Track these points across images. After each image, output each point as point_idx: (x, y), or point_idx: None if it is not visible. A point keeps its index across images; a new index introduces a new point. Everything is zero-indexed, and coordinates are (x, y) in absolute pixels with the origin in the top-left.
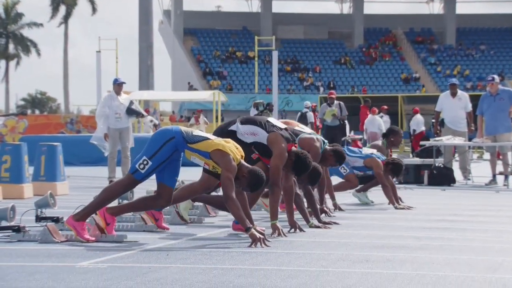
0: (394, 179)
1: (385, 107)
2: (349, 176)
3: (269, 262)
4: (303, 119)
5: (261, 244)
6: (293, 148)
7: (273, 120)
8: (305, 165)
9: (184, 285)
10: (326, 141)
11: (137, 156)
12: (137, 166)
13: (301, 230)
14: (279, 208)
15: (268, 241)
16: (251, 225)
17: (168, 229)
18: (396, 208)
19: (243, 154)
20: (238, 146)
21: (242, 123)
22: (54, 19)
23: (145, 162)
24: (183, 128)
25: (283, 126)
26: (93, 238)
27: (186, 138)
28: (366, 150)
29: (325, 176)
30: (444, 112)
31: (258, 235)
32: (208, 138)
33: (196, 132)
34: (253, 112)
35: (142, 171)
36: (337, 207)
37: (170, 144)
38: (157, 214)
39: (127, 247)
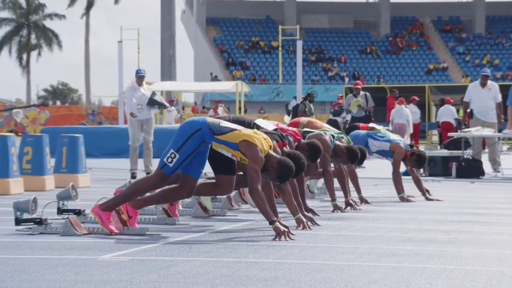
0: (422, 172)
1: (416, 98)
2: None
3: (293, 255)
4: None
5: (285, 238)
6: (284, 149)
7: (261, 122)
8: (288, 170)
9: (207, 279)
10: (335, 135)
11: (165, 150)
12: (165, 160)
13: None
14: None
15: (293, 234)
16: (275, 218)
17: (177, 217)
18: (401, 198)
19: (272, 145)
20: (266, 137)
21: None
22: (75, 7)
23: (172, 156)
24: (209, 119)
25: (271, 127)
26: (117, 231)
27: (213, 130)
28: (395, 136)
29: (345, 168)
30: (473, 102)
31: (282, 228)
32: (235, 129)
33: (224, 123)
34: (292, 104)
35: (171, 165)
36: (363, 200)
37: (196, 136)
38: None
39: (149, 240)
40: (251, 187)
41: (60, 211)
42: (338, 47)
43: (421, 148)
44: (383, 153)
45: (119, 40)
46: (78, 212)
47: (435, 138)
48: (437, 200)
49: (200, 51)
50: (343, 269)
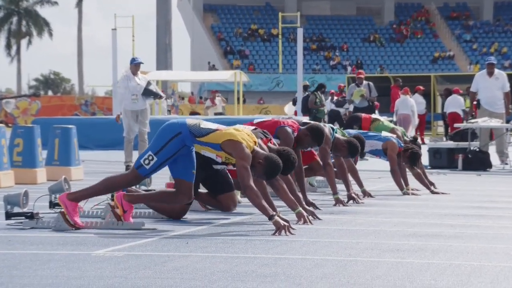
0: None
1: (421, 87)
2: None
3: (294, 251)
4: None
5: (285, 232)
6: (270, 145)
7: (238, 127)
8: (275, 166)
9: (204, 275)
10: (335, 128)
11: (145, 148)
12: (141, 161)
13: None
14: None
15: (293, 228)
16: (274, 213)
17: None
18: (404, 193)
19: (256, 140)
20: (250, 132)
21: None
22: None
23: (150, 158)
24: (189, 121)
25: (250, 128)
26: (82, 224)
27: (193, 132)
28: (386, 134)
29: (345, 162)
30: (480, 92)
31: (282, 222)
32: (216, 129)
33: (204, 124)
34: (301, 94)
35: (147, 167)
36: (366, 193)
37: (176, 139)
38: None
39: (145, 234)
40: (244, 185)
41: (52, 204)
42: (340, 35)
43: (426, 139)
44: (375, 152)
45: (113, 28)
46: None
47: (441, 129)
48: (443, 193)
49: (197, 39)
50: (345, 264)
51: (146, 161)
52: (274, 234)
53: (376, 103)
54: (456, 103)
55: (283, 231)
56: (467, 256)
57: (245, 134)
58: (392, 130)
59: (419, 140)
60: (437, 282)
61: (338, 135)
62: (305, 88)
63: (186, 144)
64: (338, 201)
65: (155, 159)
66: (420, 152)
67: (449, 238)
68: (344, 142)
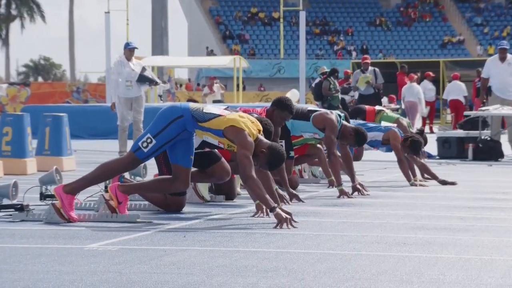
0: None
1: (431, 73)
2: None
3: (296, 244)
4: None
5: (287, 225)
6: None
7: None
8: (279, 156)
9: (202, 270)
10: (342, 114)
11: (142, 133)
12: (139, 144)
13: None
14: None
15: (295, 221)
16: (276, 205)
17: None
18: (411, 185)
19: (261, 128)
20: (254, 120)
21: None
22: None
23: (148, 140)
24: (192, 105)
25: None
26: (77, 218)
27: (196, 117)
28: (386, 124)
29: (348, 152)
30: (492, 78)
31: (284, 215)
32: (220, 115)
33: (207, 109)
34: (316, 80)
35: (145, 150)
36: (343, 192)
37: (177, 122)
38: None
39: (141, 227)
40: (244, 175)
41: (43, 196)
42: (344, 18)
43: (435, 128)
44: (374, 144)
45: (106, 10)
46: None
47: (450, 118)
48: (452, 184)
49: (195, 23)
50: (350, 259)
51: (144, 144)
52: (275, 227)
53: (381, 91)
54: (457, 90)
55: (285, 224)
56: (477, 250)
57: (248, 121)
58: (396, 121)
59: (426, 132)
60: (445, 277)
61: (346, 122)
62: (324, 74)
63: (186, 129)
64: (342, 193)
65: (154, 142)
66: (421, 140)
67: (459, 231)
68: (352, 130)
